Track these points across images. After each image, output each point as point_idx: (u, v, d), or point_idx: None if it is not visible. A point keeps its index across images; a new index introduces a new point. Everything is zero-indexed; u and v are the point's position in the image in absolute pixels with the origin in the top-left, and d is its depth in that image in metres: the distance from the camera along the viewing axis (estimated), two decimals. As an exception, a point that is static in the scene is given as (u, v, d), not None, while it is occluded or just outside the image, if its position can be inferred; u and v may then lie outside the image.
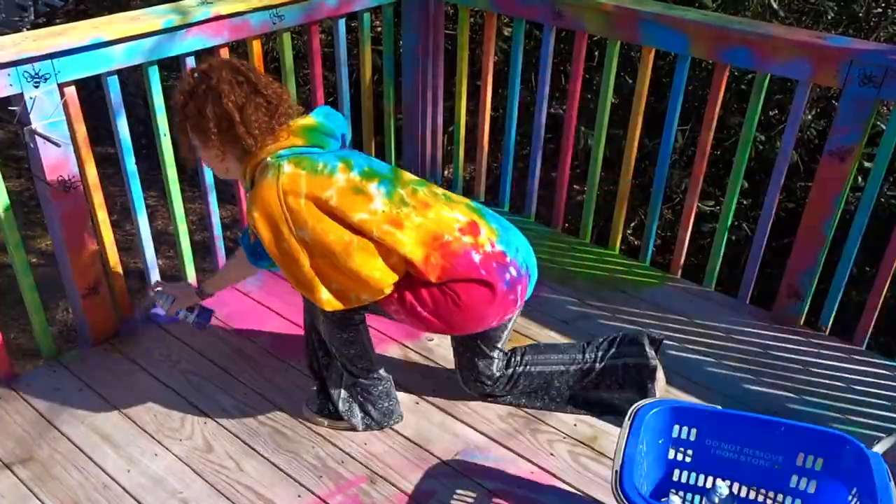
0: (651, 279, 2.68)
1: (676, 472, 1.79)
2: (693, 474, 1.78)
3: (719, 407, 1.79)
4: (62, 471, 1.97)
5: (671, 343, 2.38)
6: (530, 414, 2.13)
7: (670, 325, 2.47)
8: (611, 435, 2.07)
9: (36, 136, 2.08)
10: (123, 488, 1.92)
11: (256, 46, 2.49)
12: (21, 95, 2.02)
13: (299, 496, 1.91)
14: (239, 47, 2.60)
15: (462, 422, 2.11)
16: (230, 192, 2.97)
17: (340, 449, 2.03)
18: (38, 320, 2.29)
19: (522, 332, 2.43)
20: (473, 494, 1.91)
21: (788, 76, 2.29)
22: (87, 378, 2.26)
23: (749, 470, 1.74)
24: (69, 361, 2.32)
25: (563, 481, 1.95)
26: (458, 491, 1.92)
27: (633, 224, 3.48)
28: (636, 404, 1.72)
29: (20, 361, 2.35)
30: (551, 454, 2.02)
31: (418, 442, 2.05)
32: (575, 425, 2.10)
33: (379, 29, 3.07)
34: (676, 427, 1.75)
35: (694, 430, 1.74)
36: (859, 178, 2.58)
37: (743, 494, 1.76)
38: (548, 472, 1.97)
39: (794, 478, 1.72)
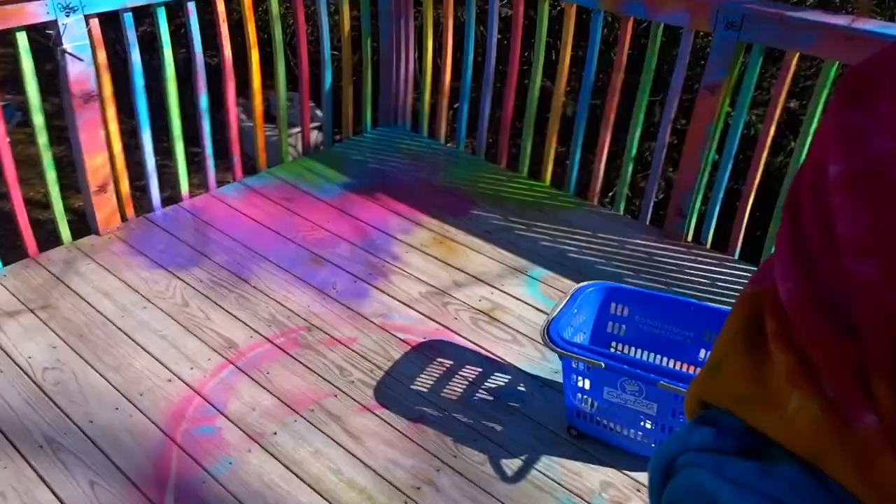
0: (570, 204, 3.15)
1: (613, 343, 2.12)
2: (627, 347, 2.12)
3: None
4: (71, 313, 2.50)
5: (572, 249, 2.85)
6: (441, 289, 2.62)
7: (576, 237, 2.93)
8: (508, 308, 2.54)
9: (66, 55, 2.63)
10: (117, 326, 2.45)
11: (245, -5, 3.02)
12: (56, 22, 2.57)
13: (251, 336, 2.42)
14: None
15: (388, 294, 2.60)
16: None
17: (289, 309, 2.54)
18: (58, 210, 2.83)
19: (450, 238, 2.92)
20: (387, 341, 2.40)
21: (674, 24, 2.75)
22: (95, 256, 2.79)
23: (668, 343, 2.05)
24: (80, 244, 2.86)
25: (462, 336, 2.43)
26: (374, 337, 2.41)
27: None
28: (577, 285, 2.07)
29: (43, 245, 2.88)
30: (455, 318, 2.50)
31: (351, 306, 2.55)
32: (480, 300, 2.58)
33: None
34: (612, 304, 2.08)
35: (627, 308, 2.06)
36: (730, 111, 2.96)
37: (663, 364, 2.06)
38: (450, 329, 2.45)
39: (703, 351, 2.02)
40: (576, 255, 2.82)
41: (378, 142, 3.68)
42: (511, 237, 2.93)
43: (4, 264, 2.71)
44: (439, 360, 2.33)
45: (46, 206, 2.91)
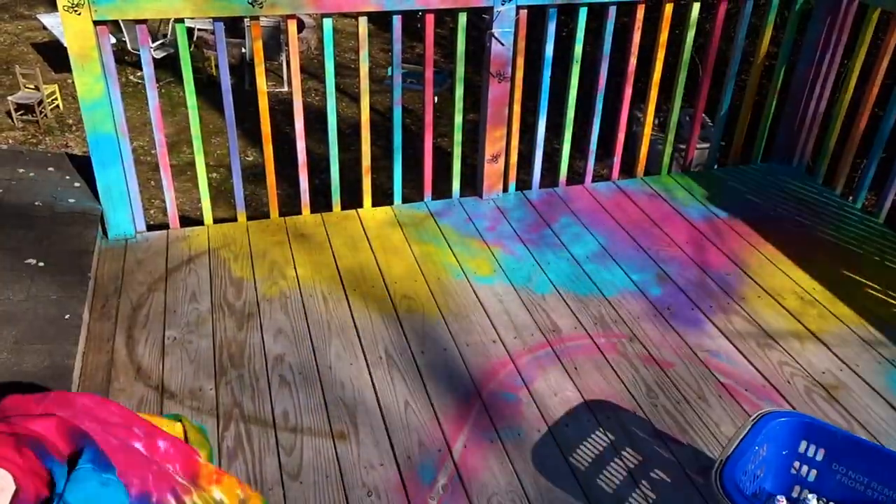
0: None
1: (797, 488, 1.79)
2: (814, 496, 1.76)
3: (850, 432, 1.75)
4: (434, 254, 2.85)
5: None
6: (781, 346, 2.44)
7: None
8: (854, 392, 2.27)
9: (493, 38, 2.96)
10: (469, 282, 2.74)
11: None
12: (492, 8, 2.90)
13: (575, 328, 2.51)
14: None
15: (721, 332, 2.50)
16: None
17: (618, 314, 2.58)
18: (456, 168, 3.22)
19: (814, 296, 2.66)
20: (704, 378, 2.31)
21: None
22: (471, 213, 3.13)
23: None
24: (464, 201, 3.22)
25: (789, 404, 2.24)
26: (693, 370, 2.34)
27: None
28: (762, 410, 1.74)
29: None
30: (788, 382, 2.31)
31: (680, 331, 2.51)
32: (823, 373, 2.34)
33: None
34: (804, 443, 1.74)
35: (822, 451, 1.73)
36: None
37: None
38: (778, 391, 2.28)
39: None
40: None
41: (764, 176, 3.47)
42: (887, 314, 2.58)
43: (404, 201, 3.19)
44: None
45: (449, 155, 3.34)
